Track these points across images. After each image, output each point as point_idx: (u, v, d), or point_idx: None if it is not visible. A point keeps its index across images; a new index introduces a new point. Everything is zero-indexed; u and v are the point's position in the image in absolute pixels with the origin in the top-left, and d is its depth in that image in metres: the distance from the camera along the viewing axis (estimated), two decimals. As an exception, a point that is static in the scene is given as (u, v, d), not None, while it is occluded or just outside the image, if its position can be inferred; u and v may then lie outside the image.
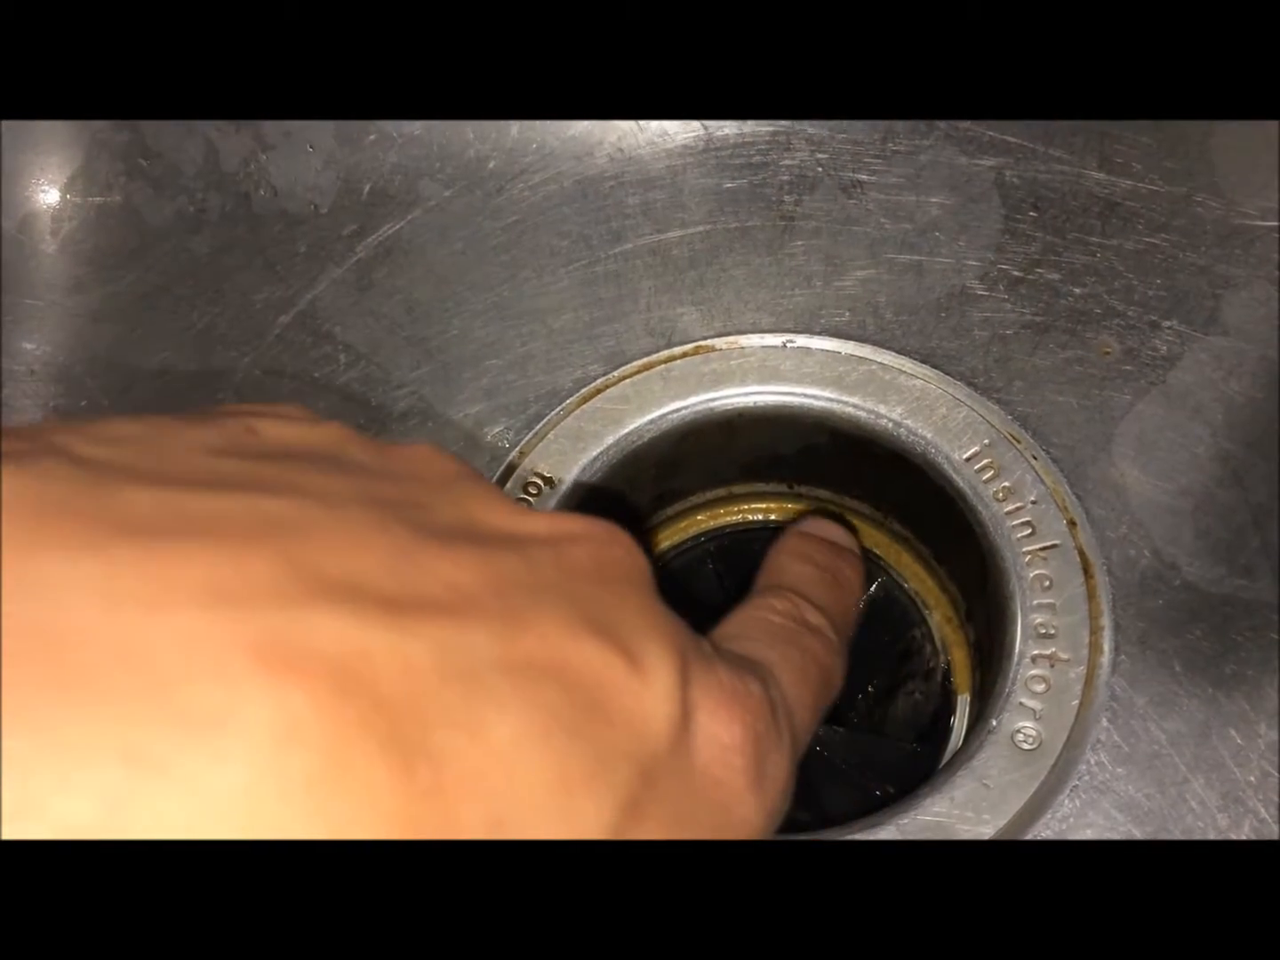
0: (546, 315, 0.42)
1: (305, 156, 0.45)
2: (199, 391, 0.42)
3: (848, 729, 0.42)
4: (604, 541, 0.19)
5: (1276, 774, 0.31)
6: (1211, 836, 0.30)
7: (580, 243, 0.43)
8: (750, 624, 0.24)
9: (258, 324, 0.43)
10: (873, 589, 0.43)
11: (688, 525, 0.45)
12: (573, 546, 0.18)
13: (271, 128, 0.45)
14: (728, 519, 0.45)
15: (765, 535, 0.45)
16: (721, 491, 0.44)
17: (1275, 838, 0.30)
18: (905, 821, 0.33)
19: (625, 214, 0.44)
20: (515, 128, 0.45)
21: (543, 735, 0.16)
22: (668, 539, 0.44)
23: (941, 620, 0.42)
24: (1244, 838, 0.30)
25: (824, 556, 0.29)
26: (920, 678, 0.42)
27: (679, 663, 0.18)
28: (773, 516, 0.45)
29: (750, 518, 0.45)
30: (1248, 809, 0.31)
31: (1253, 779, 0.31)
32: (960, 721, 0.40)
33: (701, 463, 0.42)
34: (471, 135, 0.45)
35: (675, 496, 0.44)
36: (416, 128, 0.45)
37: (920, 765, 0.40)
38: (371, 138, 0.45)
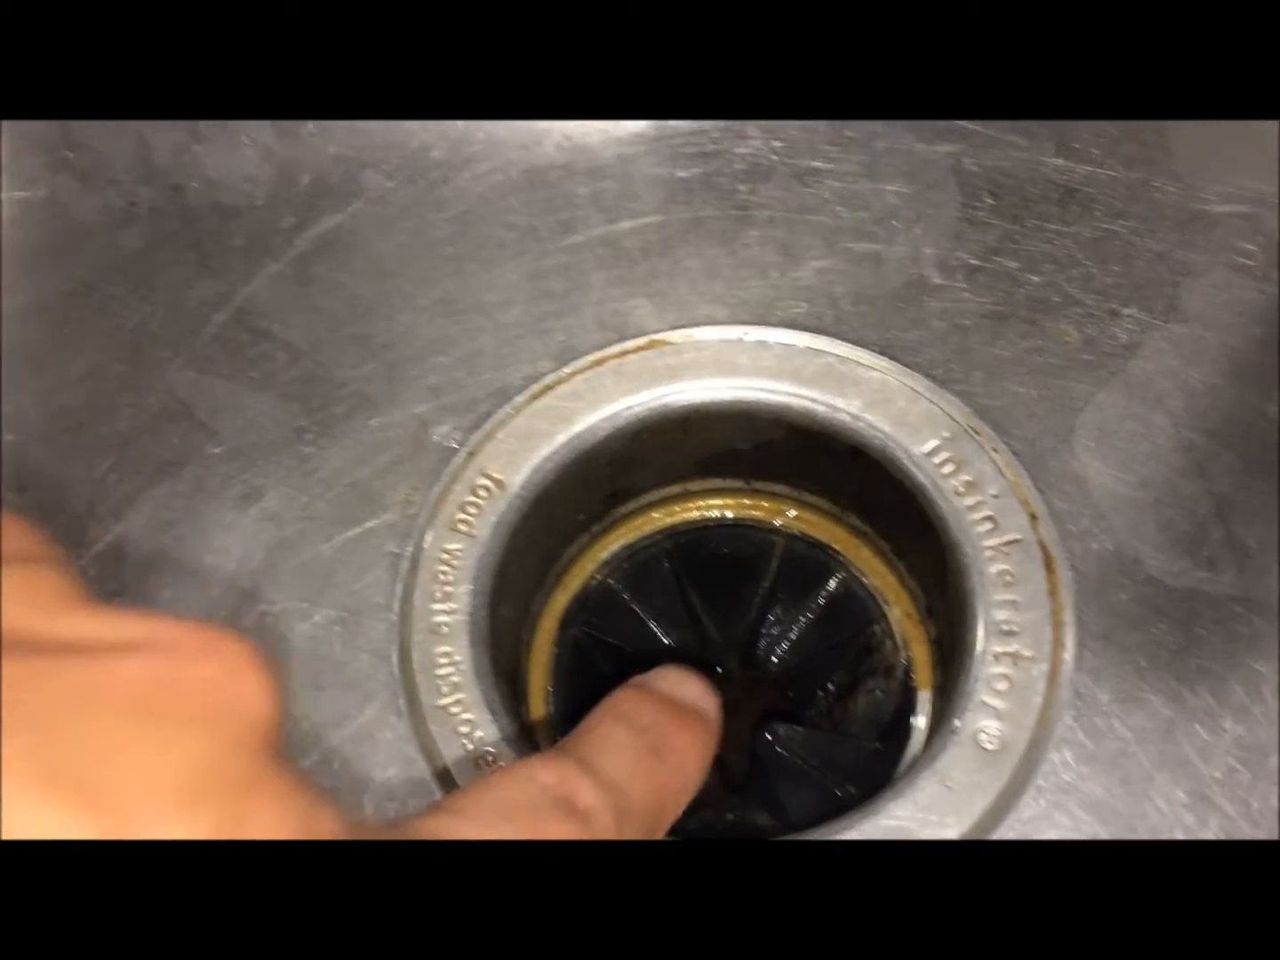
0: (494, 310, 0.41)
1: (241, 148, 0.43)
2: (130, 393, 0.40)
3: (807, 728, 0.41)
4: (187, 658, 0.15)
5: (1242, 769, 0.30)
6: (1178, 835, 0.30)
7: (528, 234, 0.42)
8: (491, 794, 0.20)
9: (192, 322, 0.41)
10: (832, 585, 0.43)
11: (643, 524, 0.44)
12: (125, 661, 0.14)
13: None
14: (684, 516, 0.44)
15: (722, 532, 0.44)
16: (677, 489, 0.43)
17: (1243, 835, 0.29)
18: (867, 825, 0.32)
19: (575, 204, 0.42)
20: (460, 116, 0.44)
21: None
22: (622, 538, 0.43)
23: (901, 616, 0.41)
24: (1211, 836, 0.30)
25: (651, 717, 0.24)
26: (881, 674, 0.42)
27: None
28: (729, 514, 0.44)
29: (708, 514, 0.44)
30: (1214, 806, 0.30)
31: (1218, 775, 0.30)
32: (922, 719, 0.39)
33: (656, 459, 0.41)
34: (415, 125, 0.44)
35: (629, 494, 0.42)
36: (357, 116, 0.43)
37: (883, 764, 0.39)
38: (310, 128, 0.44)
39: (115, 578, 0.36)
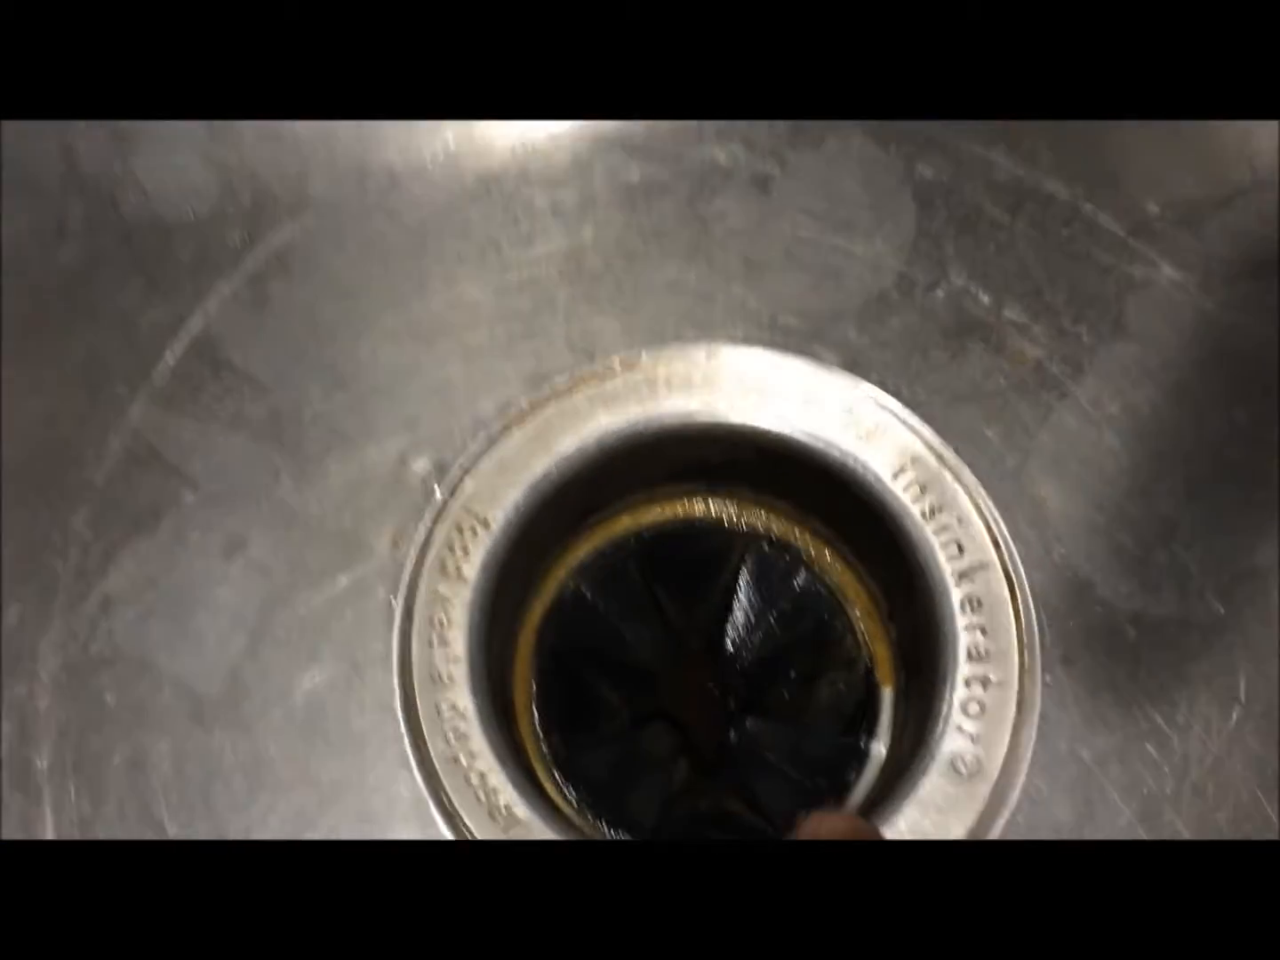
0: (461, 331, 0.40)
1: (175, 154, 0.41)
2: (89, 429, 0.39)
3: (774, 722, 0.44)
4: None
5: (1189, 786, 0.34)
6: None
7: (489, 247, 0.41)
8: None
9: (146, 352, 0.39)
10: (794, 582, 0.45)
11: (612, 528, 0.45)
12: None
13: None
14: (647, 519, 0.45)
15: (687, 533, 0.45)
16: (642, 495, 0.44)
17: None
18: (855, 845, 0.34)
19: (534, 214, 0.42)
20: (406, 115, 0.42)
21: None
22: (589, 545, 0.44)
23: (862, 614, 0.43)
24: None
25: None
26: (842, 667, 0.44)
27: None
28: (694, 515, 0.45)
29: (672, 514, 0.45)
30: (1165, 822, 0.34)
31: (1168, 791, 0.34)
32: (885, 715, 0.42)
33: (629, 475, 0.42)
34: (354, 126, 0.42)
35: (601, 507, 0.43)
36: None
37: (849, 758, 0.42)
38: (248, 130, 0.41)
39: (107, 643, 0.36)
